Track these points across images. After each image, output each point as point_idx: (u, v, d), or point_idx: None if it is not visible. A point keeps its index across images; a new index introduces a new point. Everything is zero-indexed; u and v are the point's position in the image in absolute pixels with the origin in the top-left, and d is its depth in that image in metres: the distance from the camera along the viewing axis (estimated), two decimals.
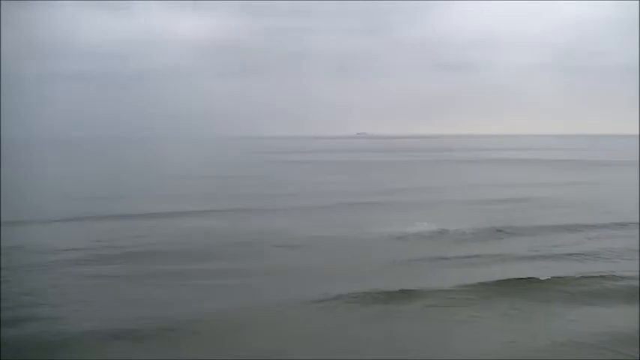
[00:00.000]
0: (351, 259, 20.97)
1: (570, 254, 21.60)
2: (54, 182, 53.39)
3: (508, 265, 20.11)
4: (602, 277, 18.05)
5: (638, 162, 71.72)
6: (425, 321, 14.70)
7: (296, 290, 16.86)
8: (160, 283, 17.92)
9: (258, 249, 22.41)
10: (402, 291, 16.33)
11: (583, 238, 24.64)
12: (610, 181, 52.28)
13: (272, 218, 30.85)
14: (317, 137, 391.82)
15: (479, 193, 42.12)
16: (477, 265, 20.02)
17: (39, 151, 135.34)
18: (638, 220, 27.43)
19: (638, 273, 18.30)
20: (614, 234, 25.58)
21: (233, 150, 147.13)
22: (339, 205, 35.42)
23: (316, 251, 22.29)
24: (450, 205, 35.41)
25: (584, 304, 15.82)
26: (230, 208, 34.20)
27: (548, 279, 17.36)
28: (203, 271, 19.36)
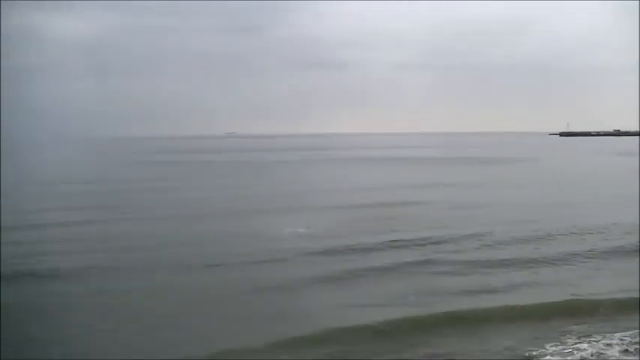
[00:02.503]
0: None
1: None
2: None
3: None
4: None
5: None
6: None
7: None
8: None
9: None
10: None
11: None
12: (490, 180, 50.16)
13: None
14: (186, 137, 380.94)
15: (346, 196, 38.10)
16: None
17: None
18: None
19: None
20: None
21: (96, 151, 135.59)
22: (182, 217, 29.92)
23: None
24: (318, 211, 31.33)
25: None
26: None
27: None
28: None
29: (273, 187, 46.24)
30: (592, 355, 11.40)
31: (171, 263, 19.18)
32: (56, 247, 22.09)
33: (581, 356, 11.37)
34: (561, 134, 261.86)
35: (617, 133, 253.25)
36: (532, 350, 11.76)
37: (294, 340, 12.30)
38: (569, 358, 11.31)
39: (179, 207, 33.58)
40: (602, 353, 11.51)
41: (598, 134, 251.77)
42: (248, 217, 29.42)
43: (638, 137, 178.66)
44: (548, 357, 11.36)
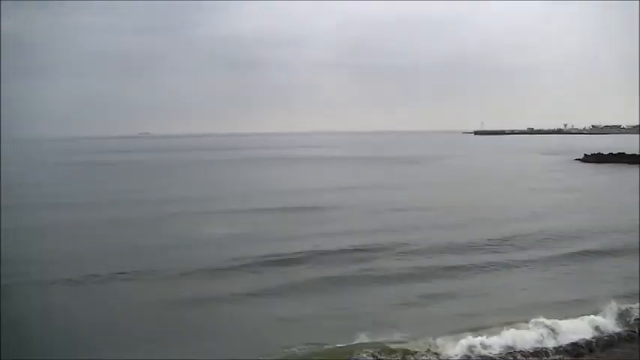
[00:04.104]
0: None
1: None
2: None
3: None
4: None
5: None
6: None
7: None
8: None
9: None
10: None
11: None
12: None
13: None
14: (97, 138, 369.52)
15: (259, 199, 36.67)
16: None
17: None
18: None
19: None
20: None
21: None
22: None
23: None
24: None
25: None
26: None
27: None
28: None
29: (182, 189, 44.20)
30: None
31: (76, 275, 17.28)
32: None
33: None
34: (476, 133, 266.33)
35: (531, 132, 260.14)
36: None
37: None
38: None
39: (83, 213, 31.21)
40: None
41: (512, 132, 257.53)
42: (152, 224, 27.63)
43: (550, 135, 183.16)
44: None
